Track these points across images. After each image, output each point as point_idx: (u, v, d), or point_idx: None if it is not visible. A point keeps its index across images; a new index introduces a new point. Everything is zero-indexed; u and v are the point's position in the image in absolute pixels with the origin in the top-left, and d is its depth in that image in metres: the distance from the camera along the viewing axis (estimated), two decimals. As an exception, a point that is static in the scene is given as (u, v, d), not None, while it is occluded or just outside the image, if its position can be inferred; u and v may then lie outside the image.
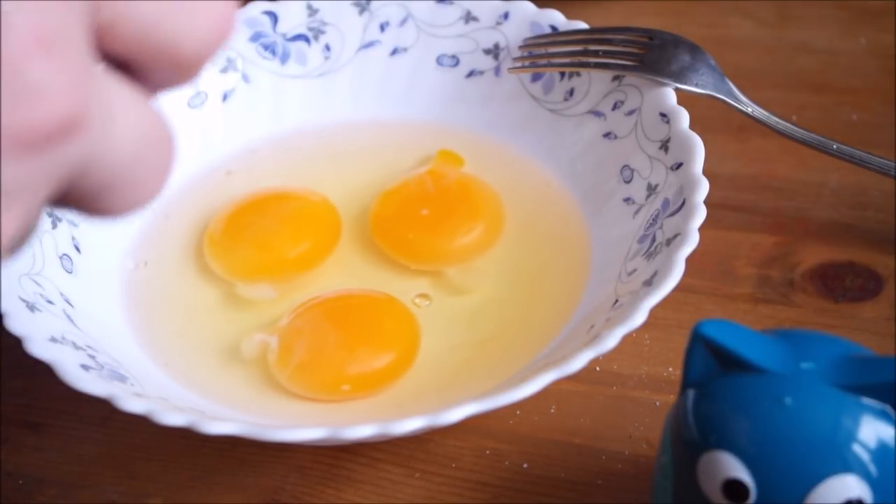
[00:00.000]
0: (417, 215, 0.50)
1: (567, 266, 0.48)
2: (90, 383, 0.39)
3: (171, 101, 0.41)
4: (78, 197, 0.26)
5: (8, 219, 0.25)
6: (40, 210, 0.26)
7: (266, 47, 0.54)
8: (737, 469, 0.33)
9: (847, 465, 0.32)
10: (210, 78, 0.53)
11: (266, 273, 0.48)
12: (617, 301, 0.43)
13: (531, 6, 0.53)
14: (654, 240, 0.45)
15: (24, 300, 0.43)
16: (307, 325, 0.45)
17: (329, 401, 0.44)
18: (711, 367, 0.34)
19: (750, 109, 0.49)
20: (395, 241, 0.49)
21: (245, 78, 0.54)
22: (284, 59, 0.54)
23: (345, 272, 0.49)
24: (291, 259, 0.49)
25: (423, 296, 0.48)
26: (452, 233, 0.49)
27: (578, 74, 0.51)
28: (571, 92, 0.52)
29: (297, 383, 0.44)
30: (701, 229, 0.43)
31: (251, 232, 0.49)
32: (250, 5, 0.54)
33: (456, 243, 0.49)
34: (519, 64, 0.53)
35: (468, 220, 0.50)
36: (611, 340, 0.39)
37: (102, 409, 0.40)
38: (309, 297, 0.47)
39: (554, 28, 0.52)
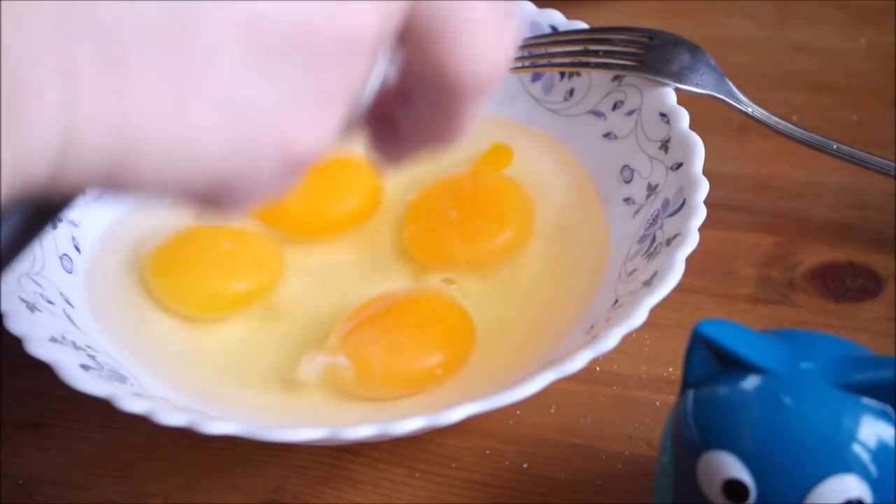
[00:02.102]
0: (445, 217, 0.49)
1: (583, 269, 0.48)
2: (90, 383, 0.39)
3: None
4: None
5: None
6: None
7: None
8: (737, 469, 0.33)
9: (847, 465, 0.32)
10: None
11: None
12: (617, 301, 0.43)
13: (531, 6, 0.53)
14: (654, 240, 0.45)
15: (24, 300, 0.43)
16: (370, 333, 0.45)
17: (415, 394, 0.44)
18: (711, 367, 0.34)
19: (750, 109, 0.49)
20: (425, 240, 0.49)
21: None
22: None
23: (342, 269, 0.49)
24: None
25: (449, 280, 0.48)
26: (474, 240, 0.49)
27: (578, 74, 0.51)
28: (571, 92, 0.52)
29: (390, 386, 0.44)
30: (701, 229, 0.43)
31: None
32: None
33: (478, 250, 0.49)
34: (519, 64, 0.52)
35: (492, 229, 0.49)
36: (611, 340, 0.39)
37: (103, 409, 0.40)
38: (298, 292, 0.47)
39: (554, 28, 0.52)
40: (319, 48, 0.27)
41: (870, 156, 0.48)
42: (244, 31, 0.26)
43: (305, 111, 0.28)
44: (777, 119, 0.49)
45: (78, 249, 0.48)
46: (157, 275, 0.47)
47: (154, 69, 0.25)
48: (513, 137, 0.52)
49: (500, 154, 0.51)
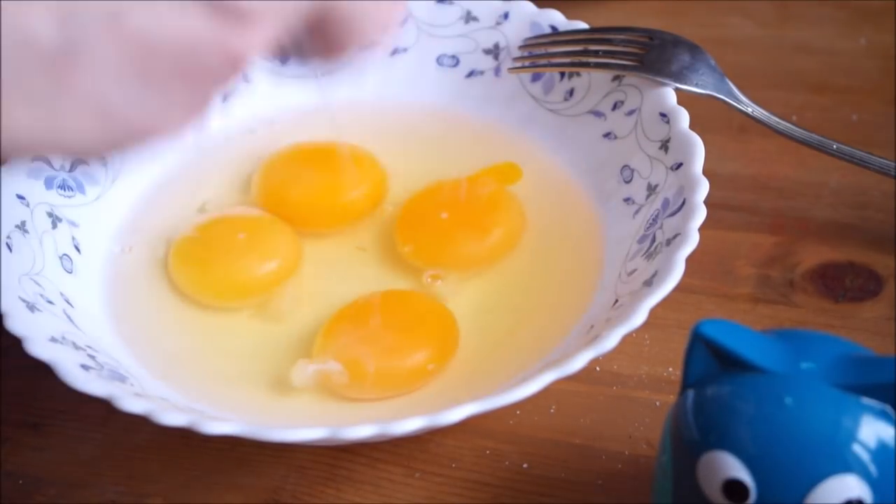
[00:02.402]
0: (437, 218, 0.49)
1: (578, 271, 0.48)
2: (90, 383, 0.39)
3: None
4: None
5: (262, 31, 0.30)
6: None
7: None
8: (737, 469, 0.33)
9: (847, 465, 0.32)
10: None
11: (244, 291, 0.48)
12: (617, 301, 0.43)
13: (531, 6, 0.53)
14: (654, 240, 0.45)
15: (24, 300, 0.43)
16: (356, 336, 0.45)
17: (409, 392, 0.44)
18: (711, 367, 0.34)
19: (750, 109, 0.49)
20: (418, 243, 0.49)
21: (245, 77, 0.54)
22: (285, 58, 0.54)
23: (341, 267, 0.49)
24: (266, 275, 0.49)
25: (435, 276, 0.48)
26: (465, 238, 0.49)
27: (578, 74, 0.51)
28: (571, 92, 0.52)
29: (383, 387, 0.44)
30: (701, 229, 0.43)
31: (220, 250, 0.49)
32: None
33: (468, 248, 0.49)
34: (519, 64, 0.53)
35: (484, 227, 0.49)
36: (611, 340, 0.39)
37: (102, 409, 0.40)
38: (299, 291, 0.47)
39: (554, 28, 0.52)
40: (202, 66, 0.30)
41: (870, 156, 0.48)
42: (130, 51, 0.29)
43: (175, 110, 0.31)
44: (777, 119, 0.49)
45: (78, 249, 0.48)
46: (178, 263, 0.48)
47: (36, 91, 0.29)
48: (508, 150, 0.52)
49: (508, 171, 0.51)
